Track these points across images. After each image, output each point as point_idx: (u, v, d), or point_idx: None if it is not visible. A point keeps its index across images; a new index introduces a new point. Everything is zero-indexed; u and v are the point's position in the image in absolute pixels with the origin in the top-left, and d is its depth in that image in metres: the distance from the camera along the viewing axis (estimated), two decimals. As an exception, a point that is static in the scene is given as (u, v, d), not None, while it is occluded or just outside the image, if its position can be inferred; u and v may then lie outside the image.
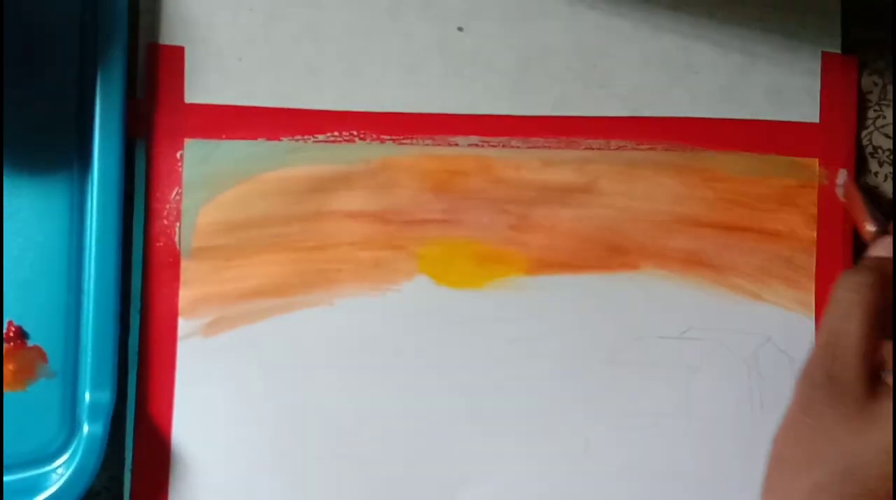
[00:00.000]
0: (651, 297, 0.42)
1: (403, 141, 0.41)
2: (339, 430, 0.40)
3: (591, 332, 0.41)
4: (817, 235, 0.42)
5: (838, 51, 0.43)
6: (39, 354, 0.39)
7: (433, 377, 0.41)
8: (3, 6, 0.38)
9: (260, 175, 0.40)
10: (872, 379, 0.30)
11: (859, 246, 0.43)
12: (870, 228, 0.38)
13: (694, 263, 0.42)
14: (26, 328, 0.39)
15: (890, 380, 0.30)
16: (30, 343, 0.39)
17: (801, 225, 0.42)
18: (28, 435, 0.38)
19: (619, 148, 0.42)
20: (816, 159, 0.43)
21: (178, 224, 0.40)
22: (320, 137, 0.41)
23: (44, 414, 0.38)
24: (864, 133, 0.43)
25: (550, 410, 0.41)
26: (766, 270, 0.42)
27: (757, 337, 0.42)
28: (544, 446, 0.41)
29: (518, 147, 0.42)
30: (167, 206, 0.40)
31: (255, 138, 0.40)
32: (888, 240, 0.35)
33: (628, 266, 0.42)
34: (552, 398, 0.41)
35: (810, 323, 0.42)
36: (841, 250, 0.42)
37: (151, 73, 0.40)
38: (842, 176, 0.37)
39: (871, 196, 0.35)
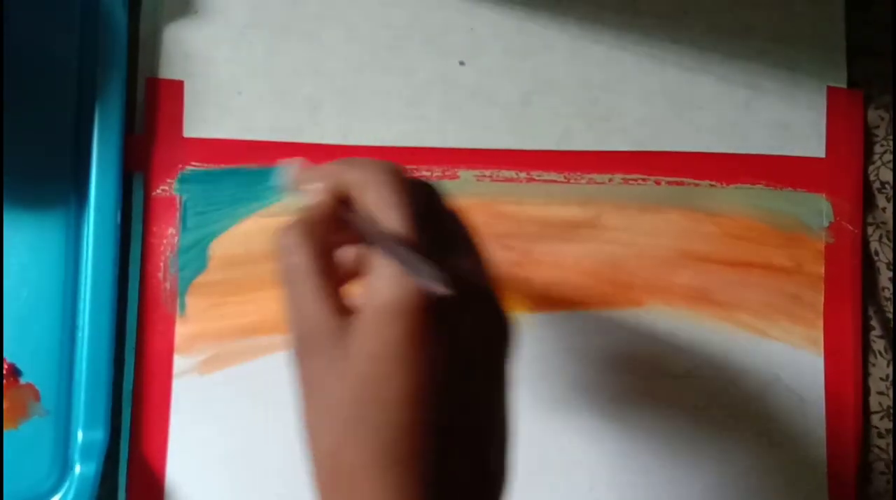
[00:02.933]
0: (656, 334, 0.41)
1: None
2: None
3: (596, 370, 0.41)
4: (825, 270, 0.42)
5: (844, 85, 0.43)
6: (32, 392, 0.38)
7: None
8: (2, 36, 0.37)
9: (259, 210, 0.40)
10: (341, 311, 0.26)
11: (868, 281, 0.42)
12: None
13: (700, 299, 0.41)
14: (19, 366, 0.38)
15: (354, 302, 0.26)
16: (23, 381, 0.38)
17: (808, 260, 0.42)
18: (19, 475, 0.37)
19: (622, 183, 0.41)
20: (823, 194, 0.42)
21: (175, 260, 0.39)
22: (320, 171, 0.40)
23: (35, 453, 0.38)
24: (870, 168, 0.43)
25: (555, 449, 0.40)
26: (772, 306, 0.41)
27: (765, 375, 0.41)
28: (549, 485, 0.40)
29: (520, 181, 0.41)
30: (164, 241, 0.39)
31: (255, 173, 0.40)
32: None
33: (633, 302, 0.41)
34: (556, 438, 0.40)
35: (819, 361, 0.41)
36: (850, 285, 0.42)
37: (150, 107, 0.40)
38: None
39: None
